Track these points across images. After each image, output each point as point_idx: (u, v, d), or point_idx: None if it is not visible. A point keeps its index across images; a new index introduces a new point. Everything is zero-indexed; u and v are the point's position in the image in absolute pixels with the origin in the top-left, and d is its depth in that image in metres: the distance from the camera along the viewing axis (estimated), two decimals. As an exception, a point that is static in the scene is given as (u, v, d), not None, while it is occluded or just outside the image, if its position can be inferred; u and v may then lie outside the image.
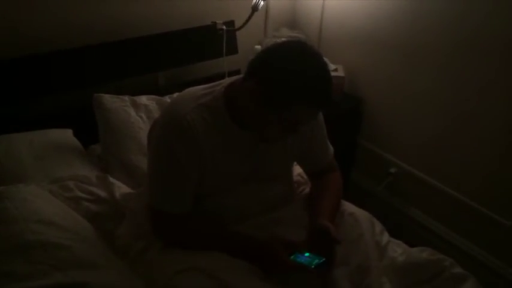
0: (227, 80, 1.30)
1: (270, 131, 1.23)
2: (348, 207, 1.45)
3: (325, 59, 1.23)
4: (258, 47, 2.19)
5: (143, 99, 1.82)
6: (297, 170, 1.59)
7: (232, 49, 2.18)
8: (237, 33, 2.18)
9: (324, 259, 1.18)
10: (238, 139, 1.27)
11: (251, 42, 2.07)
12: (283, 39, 1.17)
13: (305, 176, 1.57)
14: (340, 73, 2.24)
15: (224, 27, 2.11)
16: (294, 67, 1.13)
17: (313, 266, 1.16)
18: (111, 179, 1.53)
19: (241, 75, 1.25)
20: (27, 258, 1.12)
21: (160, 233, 1.29)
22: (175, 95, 1.64)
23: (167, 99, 1.86)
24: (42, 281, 1.07)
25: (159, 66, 2.05)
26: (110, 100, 1.75)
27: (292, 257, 1.19)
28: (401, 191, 2.30)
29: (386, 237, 1.46)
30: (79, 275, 1.11)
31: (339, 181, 1.48)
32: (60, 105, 1.86)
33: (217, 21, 2.11)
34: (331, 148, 1.49)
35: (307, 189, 1.53)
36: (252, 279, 1.17)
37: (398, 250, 1.43)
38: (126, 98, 1.79)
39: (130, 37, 1.93)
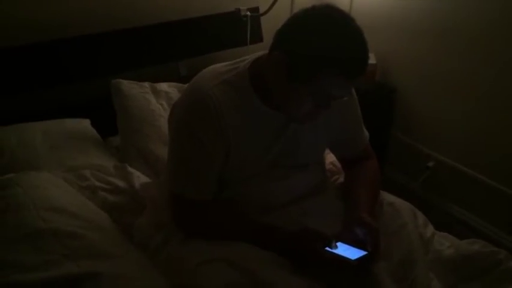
0: (252, 56, 1.22)
1: (299, 108, 1.13)
2: (387, 196, 1.34)
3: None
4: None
5: (164, 86, 1.77)
6: (330, 158, 1.50)
7: (257, 37, 2.12)
8: (262, 20, 2.11)
9: (366, 252, 1.06)
10: (265, 119, 1.18)
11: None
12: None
13: (338, 165, 1.47)
14: (372, 61, 2.15)
15: (248, 13, 2.05)
16: (321, 30, 1.03)
17: (354, 259, 1.03)
18: (129, 169, 1.47)
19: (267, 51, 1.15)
20: (36, 247, 1.06)
21: (181, 221, 1.21)
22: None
23: (189, 86, 1.79)
24: (51, 272, 1.00)
25: (180, 55, 2.00)
26: (128, 86, 1.70)
27: (328, 248, 1.06)
28: (441, 187, 2.20)
29: (430, 229, 1.35)
30: (92, 265, 1.04)
31: (377, 169, 1.37)
32: (77, 95, 1.82)
33: (241, 8, 2.05)
34: (367, 133, 1.38)
35: (341, 179, 1.43)
36: (283, 272, 1.07)
37: (445, 243, 1.32)
38: (146, 84, 1.74)
39: (150, 24, 1.88)
